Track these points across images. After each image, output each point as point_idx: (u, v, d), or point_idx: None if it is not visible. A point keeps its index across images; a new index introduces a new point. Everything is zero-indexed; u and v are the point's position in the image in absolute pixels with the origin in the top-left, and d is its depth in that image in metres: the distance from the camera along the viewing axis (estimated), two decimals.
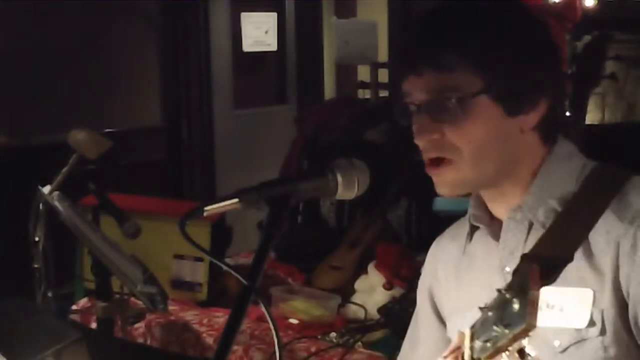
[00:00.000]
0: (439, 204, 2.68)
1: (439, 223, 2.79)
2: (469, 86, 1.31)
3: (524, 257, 1.28)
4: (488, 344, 1.08)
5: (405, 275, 2.63)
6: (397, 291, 2.59)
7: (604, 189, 1.33)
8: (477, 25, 1.33)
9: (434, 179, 1.37)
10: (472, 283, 1.46)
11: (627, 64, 4.51)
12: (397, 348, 2.35)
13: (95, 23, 4.82)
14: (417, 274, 2.61)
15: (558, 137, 1.39)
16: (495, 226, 1.42)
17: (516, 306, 1.03)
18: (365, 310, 2.60)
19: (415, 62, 1.33)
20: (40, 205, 2.36)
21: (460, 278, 1.50)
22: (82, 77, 4.77)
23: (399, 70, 1.38)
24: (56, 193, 2.34)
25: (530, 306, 1.01)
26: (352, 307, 2.65)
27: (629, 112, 5.18)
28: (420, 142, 1.35)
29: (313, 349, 2.39)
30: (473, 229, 1.47)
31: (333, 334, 2.48)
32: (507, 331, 1.03)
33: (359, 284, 2.71)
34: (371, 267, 2.69)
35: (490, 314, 1.09)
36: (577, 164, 1.38)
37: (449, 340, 1.47)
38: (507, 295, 1.05)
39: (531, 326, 1.01)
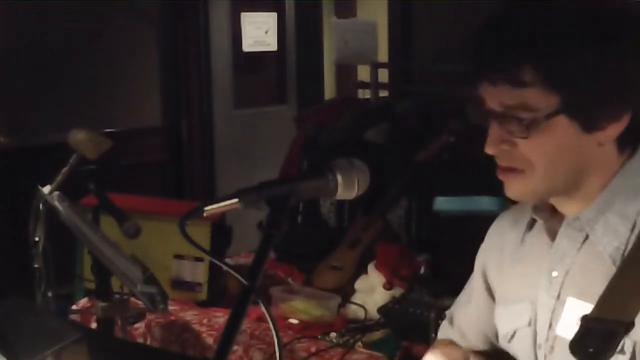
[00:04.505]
0: (439, 204, 2.67)
1: (439, 223, 2.81)
2: (544, 105, 1.25)
3: (584, 320, 1.23)
4: None
5: (405, 275, 2.63)
6: (397, 291, 2.59)
7: None
8: (555, 37, 1.24)
9: (505, 184, 1.34)
10: (520, 277, 1.44)
11: None
12: (397, 348, 2.37)
13: (95, 23, 4.82)
14: (417, 274, 2.63)
15: (638, 147, 1.32)
16: (554, 222, 1.39)
17: None
18: (365, 310, 2.60)
19: (490, 71, 1.28)
20: (40, 205, 2.36)
21: (512, 267, 1.48)
22: (82, 77, 4.77)
23: (474, 71, 1.32)
24: (56, 193, 2.34)
25: None
26: (352, 307, 2.65)
27: None
28: (490, 151, 1.32)
29: (313, 349, 2.39)
30: (534, 220, 1.44)
31: (333, 334, 2.48)
32: None
33: (359, 284, 2.71)
34: (371, 267, 2.69)
35: None
36: None
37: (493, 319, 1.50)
38: None
39: None
